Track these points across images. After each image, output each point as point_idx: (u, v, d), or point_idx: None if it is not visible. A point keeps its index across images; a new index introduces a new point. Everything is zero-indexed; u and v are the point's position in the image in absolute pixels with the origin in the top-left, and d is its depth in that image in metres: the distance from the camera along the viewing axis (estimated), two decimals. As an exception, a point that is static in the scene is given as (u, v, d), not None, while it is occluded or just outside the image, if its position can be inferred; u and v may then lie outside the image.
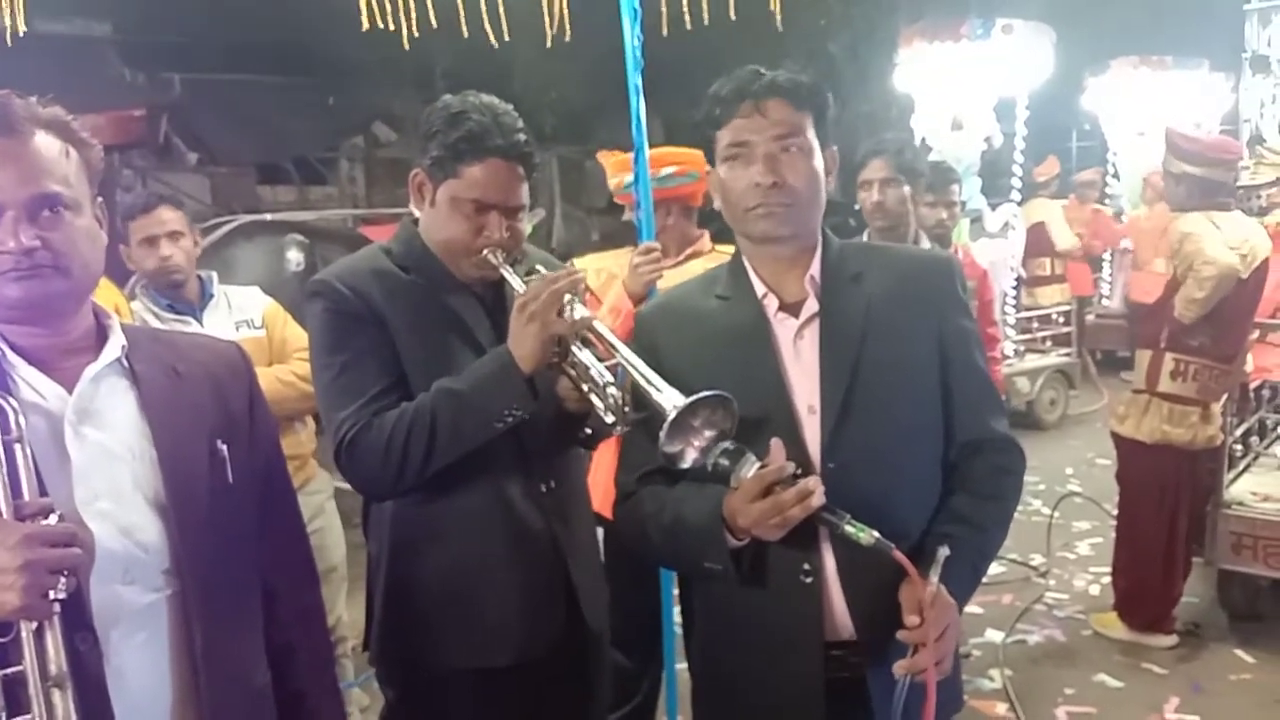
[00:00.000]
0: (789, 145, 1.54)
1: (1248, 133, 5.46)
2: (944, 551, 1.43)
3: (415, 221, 1.93)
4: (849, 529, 1.40)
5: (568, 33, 2.70)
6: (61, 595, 1.09)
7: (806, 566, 1.54)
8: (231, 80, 12.60)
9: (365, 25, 2.95)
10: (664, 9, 2.59)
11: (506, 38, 2.80)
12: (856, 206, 3.36)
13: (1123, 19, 10.98)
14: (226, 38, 11.69)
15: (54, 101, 1.27)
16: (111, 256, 1.36)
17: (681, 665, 2.03)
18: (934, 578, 1.41)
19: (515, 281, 1.82)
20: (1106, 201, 9.58)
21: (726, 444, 1.46)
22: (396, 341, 1.81)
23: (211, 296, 3.05)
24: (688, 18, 2.58)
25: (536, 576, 1.88)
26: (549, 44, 2.78)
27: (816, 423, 1.56)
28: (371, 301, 1.81)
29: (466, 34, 2.79)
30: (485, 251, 1.82)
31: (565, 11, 2.68)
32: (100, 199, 1.31)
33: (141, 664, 1.21)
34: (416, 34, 2.98)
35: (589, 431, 1.88)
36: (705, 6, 2.57)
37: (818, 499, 1.40)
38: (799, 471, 1.43)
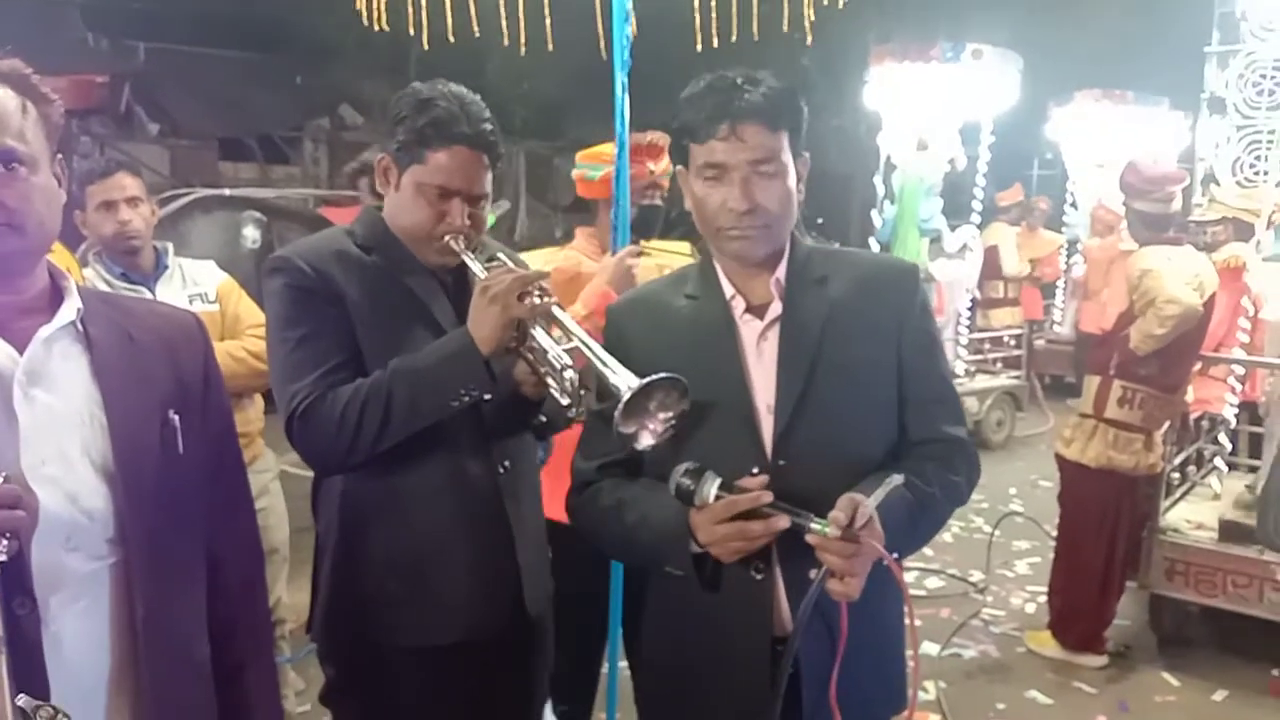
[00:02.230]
0: (764, 169, 1.55)
1: (1202, 171, 5.59)
2: (896, 478, 1.45)
3: (378, 208, 1.93)
4: (815, 525, 1.42)
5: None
6: (2, 558, 1.06)
7: (759, 564, 1.56)
8: (199, 52, 12.39)
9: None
10: (696, 21, 2.62)
11: (505, 38, 2.80)
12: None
13: (1089, 52, 11.23)
14: (196, 8, 11.48)
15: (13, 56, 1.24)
16: (65, 223, 1.33)
17: (622, 663, 2.03)
18: (873, 502, 1.42)
19: (476, 267, 1.83)
20: (1064, 230, 9.78)
21: (688, 464, 1.49)
22: (355, 321, 1.80)
23: (166, 268, 2.99)
24: (691, 35, 2.61)
25: (488, 556, 1.88)
26: (522, 43, 2.79)
27: (773, 421, 1.58)
28: (331, 280, 1.80)
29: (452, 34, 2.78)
30: (447, 238, 1.83)
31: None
32: (60, 155, 1.28)
33: (80, 632, 1.19)
34: (387, 28, 2.95)
35: (544, 419, 1.88)
36: (734, 23, 2.62)
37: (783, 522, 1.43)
38: (770, 501, 1.45)
